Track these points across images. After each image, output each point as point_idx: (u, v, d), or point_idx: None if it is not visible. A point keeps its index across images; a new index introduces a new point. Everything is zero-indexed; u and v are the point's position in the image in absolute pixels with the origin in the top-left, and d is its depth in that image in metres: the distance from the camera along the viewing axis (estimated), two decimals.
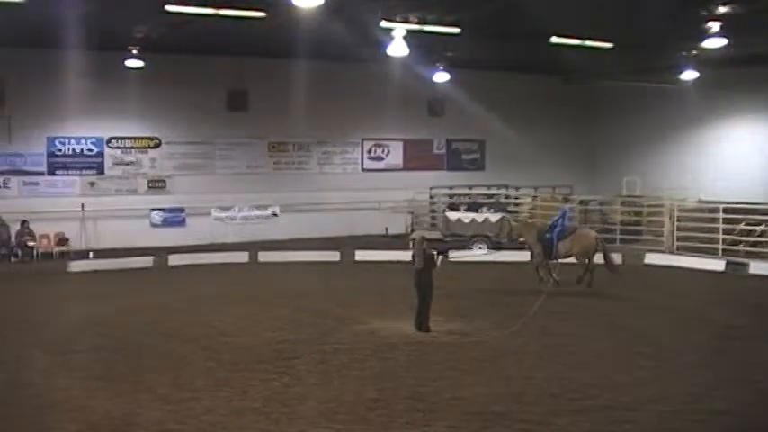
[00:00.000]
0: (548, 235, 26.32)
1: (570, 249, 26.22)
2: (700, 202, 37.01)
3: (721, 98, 38.47)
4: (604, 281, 26.63)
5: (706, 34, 27.59)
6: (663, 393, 14.65)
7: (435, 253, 20.48)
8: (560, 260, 26.22)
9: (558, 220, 27.07)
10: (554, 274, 25.61)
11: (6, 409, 13.68)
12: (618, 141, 44.80)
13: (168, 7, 25.88)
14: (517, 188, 43.03)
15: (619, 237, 36.76)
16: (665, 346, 18.42)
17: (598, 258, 26.33)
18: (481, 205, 36.33)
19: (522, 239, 27.41)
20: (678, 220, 34.52)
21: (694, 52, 32.54)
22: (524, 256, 30.97)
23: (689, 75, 35.37)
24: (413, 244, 21.04)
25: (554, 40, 31.17)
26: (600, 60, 36.62)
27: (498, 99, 41.00)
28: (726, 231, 33.00)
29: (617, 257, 27.04)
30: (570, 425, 13.11)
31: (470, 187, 42.52)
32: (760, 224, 32.28)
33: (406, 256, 22.08)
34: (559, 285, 25.25)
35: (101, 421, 13.15)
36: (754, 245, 32.29)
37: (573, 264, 26.22)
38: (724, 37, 27.48)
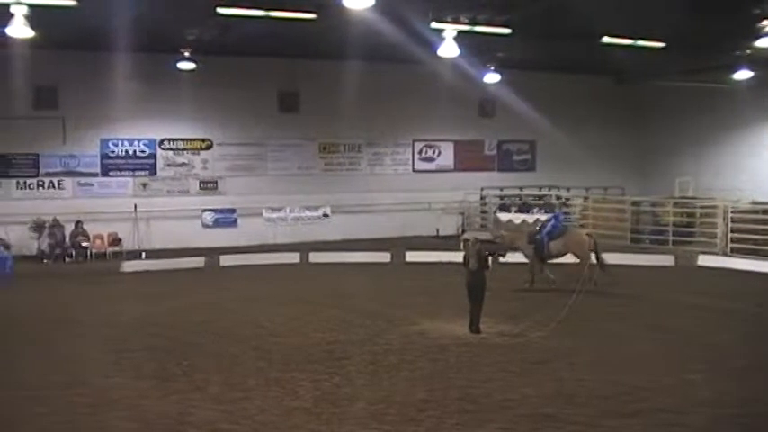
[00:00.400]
0: (538, 236, 26.40)
1: (562, 250, 26.35)
2: (754, 203, 36.55)
3: None
4: (654, 282, 26.48)
5: (759, 33, 27.30)
6: (714, 397, 14.48)
7: (488, 254, 20.46)
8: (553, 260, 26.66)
9: (549, 221, 27.17)
10: (548, 273, 25.95)
11: (63, 408, 13.82)
12: (670, 142, 44.42)
13: (220, 9, 26.08)
14: (568, 189, 42.82)
15: (671, 238, 36.47)
16: (718, 349, 18.19)
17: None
18: (532, 206, 36.15)
19: (515, 246, 27.24)
20: (732, 222, 34.14)
21: (748, 51, 32.21)
22: (574, 257, 30.95)
23: (742, 74, 35.07)
24: (465, 245, 21.00)
25: (605, 39, 31.01)
26: (652, 60, 36.38)
27: (549, 99, 40.81)
28: None
29: (607, 258, 26.74)
30: (621, 427, 13.01)
31: (521, 188, 42.38)
32: None
33: (457, 257, 21.96)
34: (555, 284, 25.53)
35: (156, 420, 13.25)
36: None
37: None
38: None
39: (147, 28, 27.71)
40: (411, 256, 32.93)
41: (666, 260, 31.95)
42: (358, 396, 14.44)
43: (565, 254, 26.48)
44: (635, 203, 39.48)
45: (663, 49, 32.57)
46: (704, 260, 32.07)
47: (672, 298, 24.60)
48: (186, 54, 33.51)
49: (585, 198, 41.99)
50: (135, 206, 36.13)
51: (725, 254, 33.38)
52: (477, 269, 19.78)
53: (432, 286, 26.13)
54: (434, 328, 20.14)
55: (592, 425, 13.06)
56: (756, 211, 35.03)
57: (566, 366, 16.67)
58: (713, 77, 38.15)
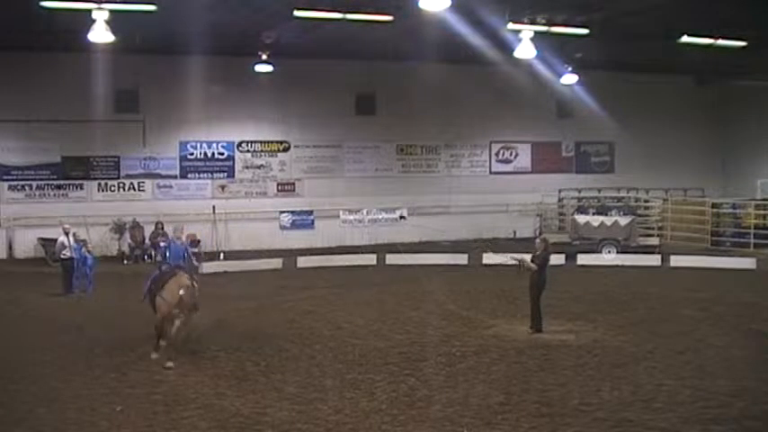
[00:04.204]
0: None
1: None
2: None
3: None
4: (735, 285, 26.15)
5: None
6: None
7: (521, 258, 20.50)
8: None
9: None
10: None
11: (140, 406, 14.00)
12: (752, 143, 43.77)
13: (297, 12, 26.24)
14: (647, 191, 42.36)
15: (753, 241, 35.88)
16: None
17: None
18: (610, 208, 35.79)
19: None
20: None
21: None
22: (653, 260, 30.80)
23: None
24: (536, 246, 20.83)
25: (684, 39, 30.66)
26: (732, 60, 35.89)
27: (627, 100, 40.44)
28: None
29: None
30: None
31: (599, 190, 42.00)
32: None
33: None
34: None
35: (230, 419, 13.37)
36: None
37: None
38: None
39: (225, 32, 28.05)
40: (487, 259, 32.77)
41: (748, 263, 31.41)
42: (434, 398, 14.44)
43: None
44: (715, 205, 38.91)
45: (743, 48, 32.15)
46: None
47: (753, 301, 24.18)
48: (264, 57, 33.78)
49: (665, 200, 41.47)
50: (213, 208, 36.50)
51: None
52: (539, 269, 19.86)
53: (509, 288, 25.97)
54: (511, 330, 20.07)
55: (671, 430, 12.89)
56: None
57: (644, 370, 16.48)
58: None
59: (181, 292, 16.75)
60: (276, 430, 12.94)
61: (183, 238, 18.84)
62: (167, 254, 18.27)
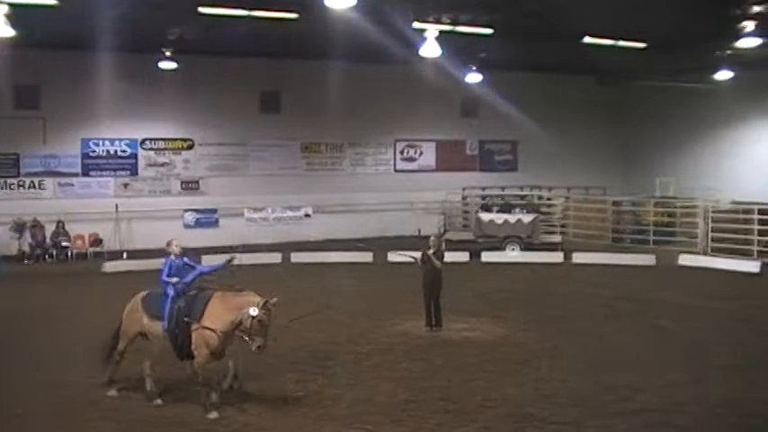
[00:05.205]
0: None
1: None
2: (734, 203, 36.75)
3: (756, 98, 38.27)
4: (636, 282, 26.68)
5: (740, 33, 27.42)
6: (700, 396, 14.57)
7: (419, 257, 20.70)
8: None
9: None
10: None
11: (41, 408, 13.82)
12: (651, 142, 44.59)
13: (202, 9, 26.01)
14: (550, 189, 42.94)
15: (652, 238, 36.63)
16: (702, 349, 18.30)
17: None
18: (514, 206, 36.16)
19: None
20: (712, 222, 34.29)
21: (729, 52, 32.32)
22: (556, 257, 31.28)
23: (723, 75, 35.25)
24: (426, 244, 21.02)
25: (587, 40, 31.10)
26: (633, 60, 36.47)
27: (531, 100, 40.87)
28: (761, 233, 32.73)
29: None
30: (604, 428, 13.08)
31: (503, 188, 42.43)
32: None
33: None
34: None
35: (136, 420, 13.39)
36: None
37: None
38: (759, 36, 27.31)
39: (128, 28, 27.57)
40: (393, 257, 32.84)
41: (648, 260, 32.08)
42: (342, 397, 14.49)
43: None
44: (616, 203, 39.59)
45: (644, 49, 32.71)
46: (685, 260, 32.18)
47: (654, 297, 24.75)
48: (168, 54, 33.33)
49: (567, 198, 42.08)
50: (116, 206, 35.96)
51: (705, 253, 33.50)
52: (435, 267, 20.05)
53: (413, 286, 26.08)
54: (416, 328, 20.19)
55: (574, 425, 13.13)
56: (736, 211, 35.26)
57: (548, 366, 16.75)
58: (694, 78, 38.35)
59: (253, 311, 13.63)
60: (190, 429, 12.93)
61: (174, 249, 15.11)
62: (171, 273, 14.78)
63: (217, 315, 13.76)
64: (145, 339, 14.81)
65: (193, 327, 13.83)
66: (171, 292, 14.43)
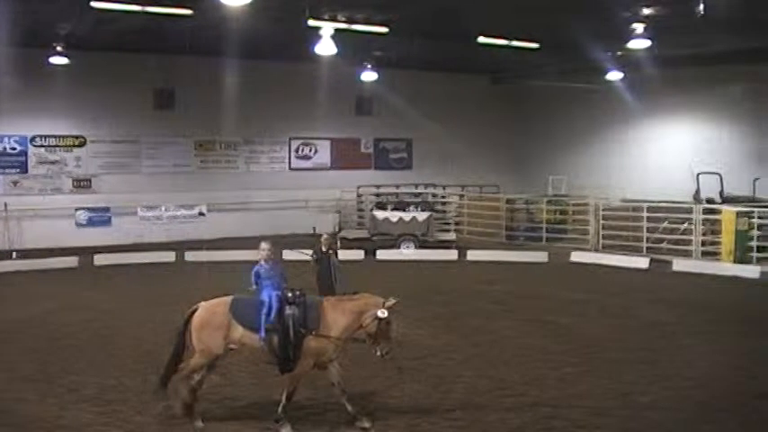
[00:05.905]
0: None
1: None
2: (624, 201, 37.52)
3: (646, 99, 39.04)
4: (529, 279, 27.06)
5: (630, 35, 27.99)
6: (591, 390, 14.89)
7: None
8: None
9: None
10: None
11: None
12: (544, 141, 45.31)
13: (94, 3, 25.60)
14: (444, 187, 43.32)
15: (545, 235, 37.25)
16: (593, 343, 18.66)
17: None
18: (408, 204, 36.36)
19: None
20: (603, 219, 34.94)
21: (619, 53, 33.00)
22: (451, 255, 31.54)
23: (614, 75, 36.06)
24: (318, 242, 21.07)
25: (481, 39, 31.40)
26: (527, 60, 37.02)
27: (426, 98, 41.24)
28: (649, 230, 33.46)
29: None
30: (498, 422, 13.25)
31: (398, 186, 42.67)
32: (683, 222, 32.78)
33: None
34: None
35: (29, 424, 13.14)
36: (676, 243, 32.73)
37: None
38: (648, 38, 27.92)
39: (17, 21, 27.03)
40: (288, 255, 32.70)
41: (540, 257, 32.59)
42: (240, 397, 14.46)
43: None
44: (509, 201, 40.05)
45: (537, 49, 33.17)
46: (577, 256, 32.73)
47: (546, 294, 25.17)
48: (59, 49, 32.73)
49: (461, 196, 42.50)
50: (5, 204, 35.28)
51: (596, 250, 34.17)
52: (328, 264, 20.11)
53: (308, 283, 26.05)
54: None
55: (469, 419, 13.27)
56: (626, 209, 35.98)
57: (442, 363, 16.90)
58: (586, 78, 39.11)
59: (381, 313, 12.88)
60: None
61: (261, 253, 14.12)
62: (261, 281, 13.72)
63: (334, 321, 13.02)
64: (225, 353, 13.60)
65: (307, 336, 12.96)
66: (268, 298, 13.19)
